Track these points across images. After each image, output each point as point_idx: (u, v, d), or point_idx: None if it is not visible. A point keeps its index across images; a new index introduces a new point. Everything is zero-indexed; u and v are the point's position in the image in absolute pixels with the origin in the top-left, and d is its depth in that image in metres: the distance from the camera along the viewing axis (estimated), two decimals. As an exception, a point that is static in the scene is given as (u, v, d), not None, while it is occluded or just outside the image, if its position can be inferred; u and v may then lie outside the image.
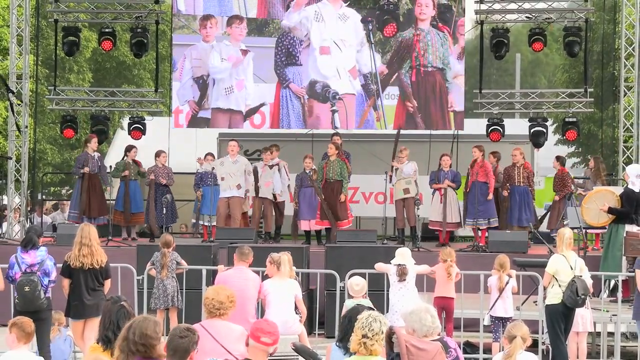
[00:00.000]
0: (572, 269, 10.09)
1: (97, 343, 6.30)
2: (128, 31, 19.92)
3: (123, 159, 16.80)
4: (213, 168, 15.98)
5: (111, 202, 16.55)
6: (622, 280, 11.97)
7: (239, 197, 15.68)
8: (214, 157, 16.79)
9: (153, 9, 18.32)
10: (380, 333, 5.61)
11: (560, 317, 10.15)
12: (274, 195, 15.99)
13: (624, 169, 15.18)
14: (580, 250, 12.76)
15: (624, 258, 12.57)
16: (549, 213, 16.29)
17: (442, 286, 11.19)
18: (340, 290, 11.73)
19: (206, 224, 16.23)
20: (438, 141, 17.85)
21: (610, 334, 11.78)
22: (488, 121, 17.85)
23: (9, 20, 19.27)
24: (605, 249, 13.01)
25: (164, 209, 16.03)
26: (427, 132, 17.86)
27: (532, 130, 17.72)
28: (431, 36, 17.40)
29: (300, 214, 15.84)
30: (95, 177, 16.18)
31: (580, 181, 16.67)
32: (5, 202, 18.91)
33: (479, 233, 15.66)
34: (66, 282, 9.98)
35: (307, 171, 15.73)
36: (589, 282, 10.38)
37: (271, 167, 15.97)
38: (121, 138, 23.44)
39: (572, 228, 12.16)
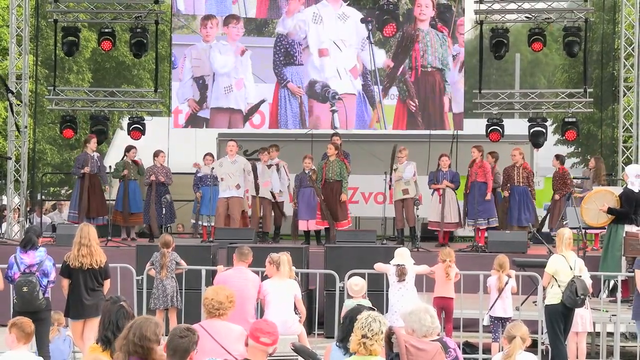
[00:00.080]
0: (571, 269, 10.09)
1: (97, 343, 6.30)
2: (127, 31, 19.92)
3: (122, 159, 16.79)
4: (212, 169, 15.97)
5: (111, 202, 16.55)
6: (622, 280, 11.99)
7: (238, 197, 15.68)
8: (213, 158, 16.77)
9: (152, 9, 18.32)
10: (380, 333, 5.61)
11: (560, 317, 10.14)
12: (273, 195, 15.99)
13: (623, 169, 15.17)
14: (579, 250, 12.75)
15: (623, 258, 12.56)
16: (549, 214, 16.29)
17: (441, 286, 11.19)
18: (340, 291, 11.72)
19: (205, 224, 16.22)
20: (437, 141, 17.85)
21: (610, 334, 11.78)
22: (487, 121, 17.84)
23: (8, 20, 19.28)
24: (605, 249, 13.00)
25: (164, 209, 16.03)
26: (427, 132, 17.86)
27: (531, 131, 17.71)
28: (430, 37, 17.41)
29: (299, 214, 15.83)
30: (94, 177, 16.17)
31: (579, 181, 16.67)
32: (4, 202, 18.91)
33: (479, 233, 15.66)
34: (65, 282, 9.96)
35: (307, 171, 15.73)
36: (589, 282, 10.38)
37: (269, 166, 15.97)
38: (121, 138, 23.42)
39: (572, 228, 12.16)
